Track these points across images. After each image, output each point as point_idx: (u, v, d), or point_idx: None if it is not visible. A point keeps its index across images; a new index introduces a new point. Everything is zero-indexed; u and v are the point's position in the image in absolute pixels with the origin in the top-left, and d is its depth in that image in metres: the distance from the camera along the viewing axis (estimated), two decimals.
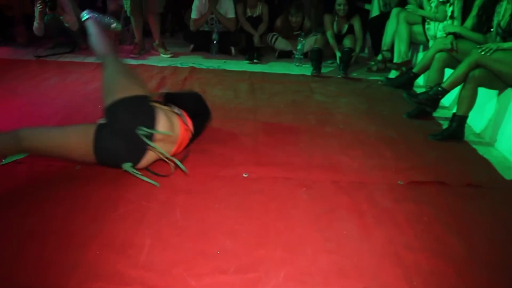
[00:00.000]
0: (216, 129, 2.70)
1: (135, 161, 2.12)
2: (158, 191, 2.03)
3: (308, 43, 4.38)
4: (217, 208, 1.93)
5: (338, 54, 4.19)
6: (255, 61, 4.31)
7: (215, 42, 4.50)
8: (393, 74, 3.95)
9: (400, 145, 2.66)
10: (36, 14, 4.45)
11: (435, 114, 3.17)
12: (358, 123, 2.99)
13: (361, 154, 2.52)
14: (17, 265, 1.52)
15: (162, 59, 4.37)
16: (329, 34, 4.31)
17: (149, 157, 2.16)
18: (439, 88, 2.86)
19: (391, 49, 4.03)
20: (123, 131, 2.06)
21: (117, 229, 1.74)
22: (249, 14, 4.67)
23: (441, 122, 3.08)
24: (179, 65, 4.12)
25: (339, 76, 4.00)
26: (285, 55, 4.57)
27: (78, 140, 2.07)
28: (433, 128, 2.96)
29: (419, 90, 3.48)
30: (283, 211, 1.93)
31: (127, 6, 4.38)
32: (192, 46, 4.71)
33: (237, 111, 3.04)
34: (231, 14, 4.64)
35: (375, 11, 4.88)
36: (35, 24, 4.52)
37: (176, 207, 1.92)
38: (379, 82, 3.85)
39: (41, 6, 4.39)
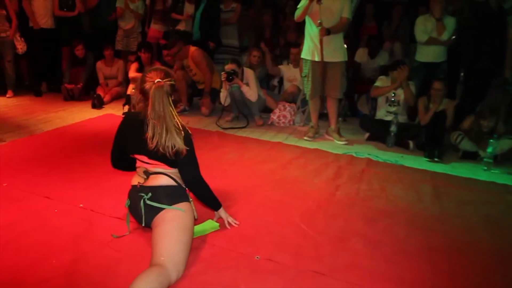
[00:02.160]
0: (402, 238, 2.49)
1: None
2: None
3: (500, 146, 3.95)
4: None
5: None
6: (435, 159, 4.01)
7: (392, 134, 4.35)
8: None
9: None
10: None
11: None
12: None
13: None
14: None
15: (336, 146, 4.36)
16: None
17: None
18: None
19: None
20: None
21: None
22: None
23: None
24: (354, 154, 4.04)
25: None
26: (469, 156, 4.17)
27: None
28: None
29: None
30: None
31: (307, 89, 4.54)
32: (367, 134, 4.64)
33: (422, 218, 2.78)
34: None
35: None
36: (221, 92, 4.98)
37: None
38: None
39: (223, 77, 4.81)
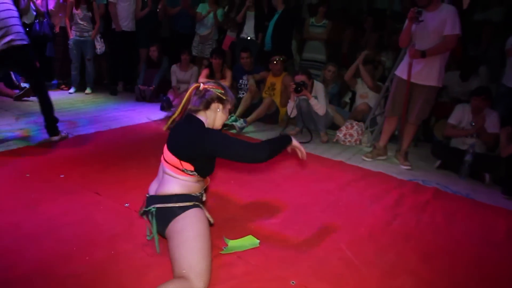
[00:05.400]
0: (460, 281, 2.19)
1: None
2: None
3: None
4: None
5: None
6: None
7: (467, 164, 3.95)
8: None
9: None
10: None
11: None
12: None
13: None
14: None
15: (402, 171, 4.04)
16: None
17: None
18: None
19: None
20: None
21: None
22: None
23: None
24: (420, 182, 3.71)
25: None
26: None
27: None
28: None
29: None
30: None
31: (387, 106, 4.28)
32: (439, 162, 4.25)
33: (489, 262, 2.42)
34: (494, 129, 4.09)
35: None
36: (289, 103, 4.87)
37: None
38: None
39: (291, 88, 4.66)
